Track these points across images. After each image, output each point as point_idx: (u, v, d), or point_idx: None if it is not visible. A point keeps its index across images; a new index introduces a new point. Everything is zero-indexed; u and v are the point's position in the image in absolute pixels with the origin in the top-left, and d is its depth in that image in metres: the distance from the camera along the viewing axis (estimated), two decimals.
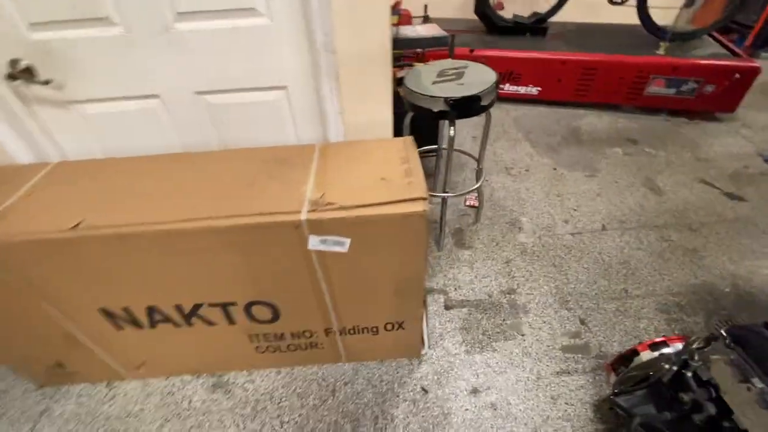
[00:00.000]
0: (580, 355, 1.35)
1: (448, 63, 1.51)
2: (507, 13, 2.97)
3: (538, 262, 1.68)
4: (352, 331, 1.21)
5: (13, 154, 1.15)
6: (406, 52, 1.87)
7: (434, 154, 1.95)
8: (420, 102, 1.33)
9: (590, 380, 1.28)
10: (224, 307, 1.09)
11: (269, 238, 0.91)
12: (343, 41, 1.00)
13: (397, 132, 1.22)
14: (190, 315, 1.10)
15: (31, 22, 0.99)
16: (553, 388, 1.27)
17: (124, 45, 1.04)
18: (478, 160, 1.67)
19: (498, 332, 1.43)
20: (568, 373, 1.30)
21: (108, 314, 1.08)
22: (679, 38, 2.61)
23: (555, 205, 1.97)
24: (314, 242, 0.93)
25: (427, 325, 1.43)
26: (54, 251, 0.90)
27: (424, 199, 0.89)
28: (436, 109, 1.31)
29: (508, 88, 2.76)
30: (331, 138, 1.20)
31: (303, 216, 0.88)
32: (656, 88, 2.51)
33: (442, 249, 1.74)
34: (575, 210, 1.94)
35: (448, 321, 1.47)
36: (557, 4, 2.83)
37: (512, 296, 1.55)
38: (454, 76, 1.40)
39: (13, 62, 1.03)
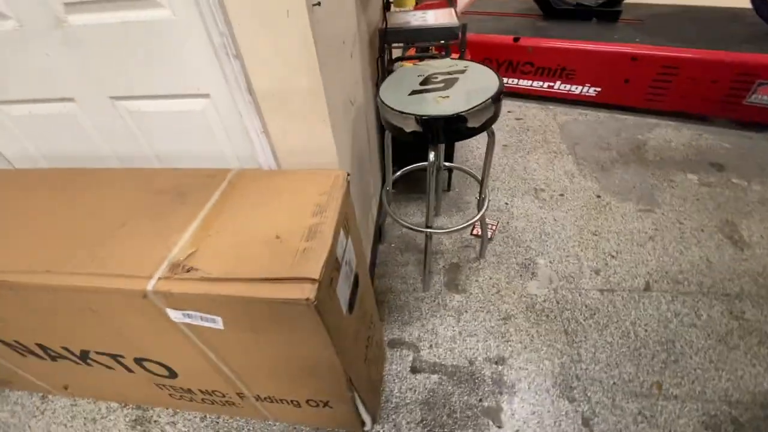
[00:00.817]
0: None
1: (443, 63, 1.17)
2: None
3: (546, 324, 1.31)
4: (269, 400, 1.00)
5: None
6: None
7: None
8: (391, 118, 1.02)
9: None
10: (114, 357, 0.92)
11: (119, 304, 0.71)
12: (247, 41, 0.74)
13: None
14: (83, 358, 0.96)
15: None
16: None
17: (20, 41, 0.88)
18: (481, 185, 1.32)
19: (468, 416, 1.12)
20: None
21: (4, 343, 0.98)
22: None
23: (587, 247, 1.55)
24: (176, 315, 0.71)
25: (377, 394, 1.17)
26: None
27: (313, 281, 0.62)
28: (407, 130, 1.00)
29: (559, 86, 2.27)
30: (261, 161, 0.96)
31: (150, 285, 0.65)
32: (763, 96, 1.88)
33: (427, 289, 1.45)
34: (613, 257, 1.50)
35: (410, 389, 1.19)
36: None
37: (500, 367, 1.22)
38: (442, 84, 1.06)
39: None
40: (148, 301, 0.68)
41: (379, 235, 1.62)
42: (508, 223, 1.67)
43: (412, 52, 1.74)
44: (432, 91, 1.04)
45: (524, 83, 2.37)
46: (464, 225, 1.28)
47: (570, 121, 2.22)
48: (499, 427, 1.10)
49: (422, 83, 1.08)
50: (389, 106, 1.00)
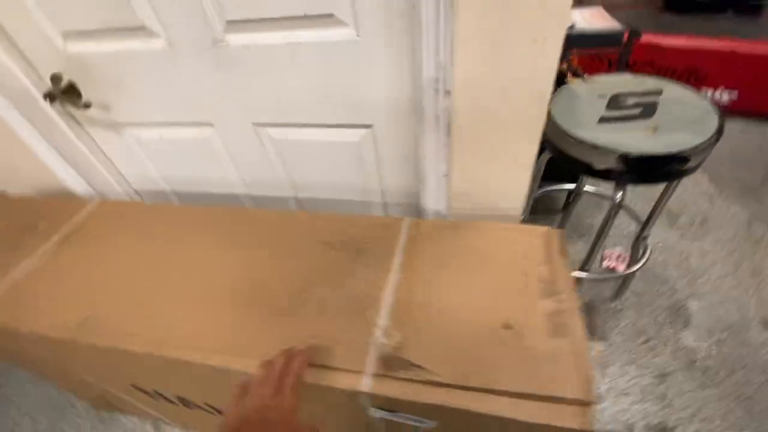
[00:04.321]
0: None
1: (626, 81, 0.97)
2: None
3: (714, 388, 1.12)
4: None
5: (65, 181, 1.01)
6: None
7: (568, 190, 1.42)
8: (574, 151, 0.85)
9: None
10: None
11: (309, 396, 0.59)
12: (467, 75, 0.59)
13: None
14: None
15: (63, 30, 0.77)
16: None
17: (167, 61, 0.77)
18: (644, 225, 1.12)
19: None
20: None
21: (139, 389, 0.91)
22: None
23: (748, 288, 1.32)
24: (379, 413, 0.58)
25: None
26: (56, 347, 0.70)
27: (584, 404, 0.47)
28: (600, 167, 0.82)
29: None
30: (427, 206, 0.81)
31: (364, 384, 0.53)
32: None
33: None
34: None
35: None
36: None
37: None
38: (638, 110, 0.87)
39: (56, 78, 0.84)
40: (353, 401, 0.56)
41: None
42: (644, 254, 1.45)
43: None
44: (629, 119, 0.85)
45: None
46: (624, 259, 1.09)
47: None
48: None
49: (610, 107, 0.89)
50: (576, 138, 0.83)
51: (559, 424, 0.46)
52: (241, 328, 0.61)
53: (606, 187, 1.40)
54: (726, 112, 1.96)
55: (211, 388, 0.74)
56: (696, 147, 0.75)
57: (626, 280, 1.30)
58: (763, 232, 1.48)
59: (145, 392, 0.90)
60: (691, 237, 1.49)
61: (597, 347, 1.22)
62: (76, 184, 1.03)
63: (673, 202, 1.63)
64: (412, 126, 0.74)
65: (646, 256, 1.10)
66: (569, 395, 0.48)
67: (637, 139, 0.79)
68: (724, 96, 1.92)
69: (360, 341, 0.57)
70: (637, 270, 1.10)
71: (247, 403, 0.45)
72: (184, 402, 0.89)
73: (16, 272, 0.76)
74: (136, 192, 1.14)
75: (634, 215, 1.20)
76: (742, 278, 1.35)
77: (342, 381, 0.54)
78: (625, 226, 1.55)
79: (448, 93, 0.60)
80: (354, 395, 0.54)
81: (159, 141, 0.96)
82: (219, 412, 0.87)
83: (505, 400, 0.49)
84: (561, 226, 1.50)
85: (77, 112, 0.93)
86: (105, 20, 0.73)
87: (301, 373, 0.50)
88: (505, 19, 0.52)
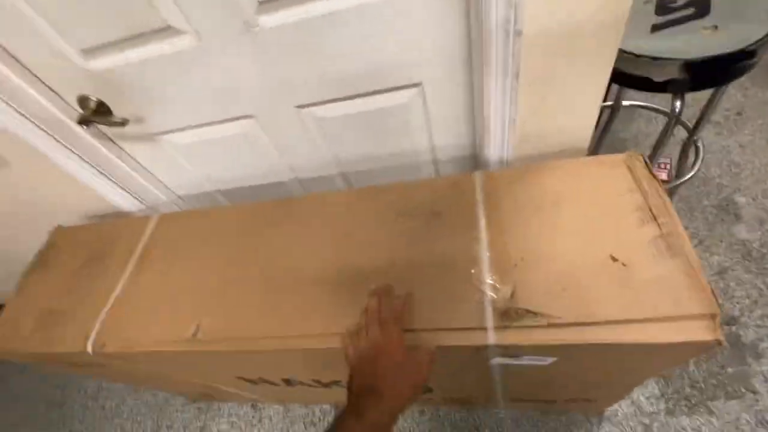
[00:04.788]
0: None
1: None
2: None
3: None
4: (516, 400, 0.95)
5: (114, 201, 1.01)
6: None
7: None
8: (629, 67, 0.81)
9: None
10: None
11: (445, 357, 0.62)
12: (537, 10, 0.55)
13: None
14: (327, 385, 0.94)
15: (82, 48, 0.73)
16: None
17: (198, 57, 0.73)
18: (694, 129, 1.09)
19: (715, 385, 1.04)
20: None
21: (244, 379, 0.97)
22: None
23: None
24: (499, 360, 0.62)
25: None
26: (172, 357, 0.74)
27: (714, 316, 0.50)
28: (658, 79, 0.79)
29: None
30: (490, 155, 0.80)
31: (490, 338, 0.56)
32: None
33: None
34: None
35: None
36: None
37: (733, 328, 1.10)
38: (691, 10, 0.81)
39: (83, 100, 0.81)
40: (479, 355, 0.59)
41: None
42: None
43: None
44: (684, 21, 0.80)
45: None
46: (680, 180, 1.08)
47: None
48: (754, 393, 1.01)
49: (659, 12, 0.84)
50: (632, 52, 0.79)
51: (692, 339, 0.49)
52: (344, 307, 0.63)
53: (643, 98, 1.36)
54: None
55: (321, 366, 0.79)
56: (765, 38, 0.71)
57: (673, 187, 1.31)
58: None
59: (250, 380, 0.96)
60: (729, 132, 1.47)
61: None
62: (124, 202, 1.03)
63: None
64: (468, 76, 0.71)
65: (700, 159, 1.08)
66: (695, 311, 0.50)
67: (698, 41, 0.75)
68: None
69: (473, 299, 0.59)
70: (693, 174, 1.09)
71: (362, 342, 0.53)
72: (288, 382, 0.95)
73: (111, 299, 0.79)
74: (180, 198, 1.13)
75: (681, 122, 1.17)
76: None
77: (468, 339, 0.57)
78: (652, 126, 1.52)
79: (519, 33, 0.57)
80: (480, 349, 0.57)
81: (198, 143, 0.94)
82: (324, 384, 0.93)
83: (631, 326, 0.52)
84: (598, 145, 1.48)
85: (112, 131, 0.90)
86: (126, 27, 0.69)
87: (399, 308, 0.57)
88: None
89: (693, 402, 1.03)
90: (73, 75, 0.77)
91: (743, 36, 0.72)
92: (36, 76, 0.78)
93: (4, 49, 0.73)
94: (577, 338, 0.53)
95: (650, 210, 0.60)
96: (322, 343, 0.62)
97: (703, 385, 1.04)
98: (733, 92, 1.57)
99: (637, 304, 0.53)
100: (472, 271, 0.62)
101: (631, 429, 1.03)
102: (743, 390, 1.02)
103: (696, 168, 1.09)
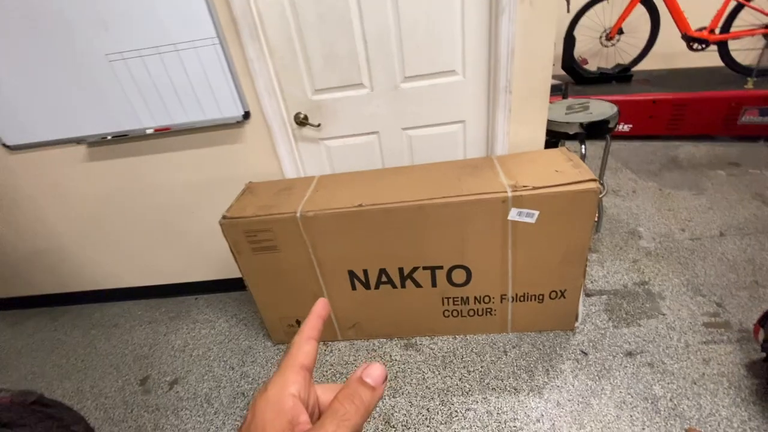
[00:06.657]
0: (722, 330, 1.54)
1: (571, 101, 1.95)
2: (591, 67, 3.43)
3: (664, 261, 1.91)
4: (522, 299, 1.55)
5: (286, 171, 1.75)
6: None
7: None
8: (556, 127, 1.76)
9: (738, 348, 1.46)
10: (433, 270, 1.50)
11: (481, 211, 1.34)
12: (518, 83, 1.49)
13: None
14: (406, 277, 1.53)
15: (315, 89, 1.62)
16: (703, 353, 1.46)
17: (367, 99, 1.62)
18: (600, 173, 2.02)
19: (640, 312, 1.66)
20: (715, 342, 1.49)
21: (351, 274, 1.54)
22: (764, 74, 2.85)
23: (668, 218, 2.20)
24: (513, 214, 1.33)
25: (583, 296, 1.71)
26: (342, 220, 1.40)
27: (594, 180, 1.28)
28: (571, 132, 1.73)
29: None
30: (496, 152, 1.66)
31: (509, 193, 1.30)
32: (750, 117, 2.72)
33: None
34: (689, 221, 2.15)
35: (592, 305, 1.73)
36: (639, 55, 3.24)
37: (646, 287, 1.78)
38: (581, 109, 1.82)
39: (297, 114, 1.66)
40: (504, 205, 1.31)
41: None
42: (604, 212, 2.33)
43: None
44: (577, 112, 1.79)
45: None
46: None
47: (616, 149, 3.02)
48: (663, 314, 1.64)
49: (568, 108, 1.85)
50: (558, 121, 1.74)
51: (588, 187, 1.25)
52: (428, 191, 1.36)
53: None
54: (627, 137, 3.06)
55: (411, 241, 1.44)
56: (609, 116, 1.68)
57: (600, 218, 2.15)
58: (669, 191, 2.43)
59: (355, 276, 1.54)
60: (629, 200, 2.41)
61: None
62: (290, 173, 1.77)
63: (613, 185, 2.59)
64: (487, 115, 1.62)
65: (605, 190, 1.96)
66: (587, 178, 1.28)
67: (584, 117, 1.72)
68: (626, 127, 3.06)
69: (498, 184, 1.35)
70: (604, 194, 1.95)
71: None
72: (380, 277, 1.53)
73: (303, 200, 1.47)
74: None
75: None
76: (663, 214, 2.24)
77: (499, 196, 1.30)
78: None
79: (510, 92, 1.49)
80: (505, 200, 1.30)
81: (341, 147, 1.75)
82: (403, 282, 1.52)
83: (565, 186, 1.28)
84: None
85: (296, 132, 1.72)
86: (340, 80, 1.59)
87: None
88: (532, 55, 1.44)
89: (628, 321, 1.63)
90: (303, 101, 1.64)
91: (602, 115, 1.69)
92: (284, 99, 1.64)
93: (274, 88, 1.61)
94: (547, 191, 1.28)
95: (571, 161, 1.43)
96: (421, 202, 1.33)
97: (632, 313, 1.66)
98: (630, 182, 2.58)
99: (565, 180, 1.30)
100: (497, 181, 1.39)
101: (594, 336, 1.59)
102: (656, 313, 1.64)
103: (605, 191, 1.96)
